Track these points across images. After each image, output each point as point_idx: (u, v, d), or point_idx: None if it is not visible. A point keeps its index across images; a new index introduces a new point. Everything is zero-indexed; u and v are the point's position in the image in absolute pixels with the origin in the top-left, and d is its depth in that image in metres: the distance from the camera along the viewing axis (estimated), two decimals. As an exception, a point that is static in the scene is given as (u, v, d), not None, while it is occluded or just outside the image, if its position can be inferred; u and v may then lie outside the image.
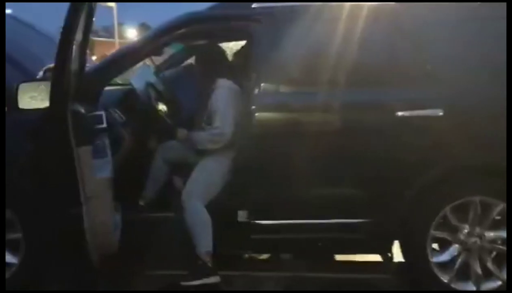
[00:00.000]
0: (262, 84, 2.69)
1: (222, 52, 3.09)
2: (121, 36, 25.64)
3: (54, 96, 2.07)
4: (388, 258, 3.01)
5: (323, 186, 2.73)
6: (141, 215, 2.98)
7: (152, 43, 2.88)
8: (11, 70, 2.85)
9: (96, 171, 2.27)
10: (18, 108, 2.42)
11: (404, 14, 2.68)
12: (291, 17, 2.71)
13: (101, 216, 2.25)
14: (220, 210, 2.77)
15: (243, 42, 3.48)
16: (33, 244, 2.71)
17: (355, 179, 2.71)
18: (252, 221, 2.74)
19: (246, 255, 3.32)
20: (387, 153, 2.65)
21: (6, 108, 2.86)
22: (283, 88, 2.77)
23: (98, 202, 2.24)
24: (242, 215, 2.75)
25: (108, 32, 31.64)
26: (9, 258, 2.76)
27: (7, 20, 3.63)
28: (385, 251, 2.91)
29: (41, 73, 2.98)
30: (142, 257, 2.85)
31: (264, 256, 3.38)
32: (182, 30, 2.83)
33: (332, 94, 2.68)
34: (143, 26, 34.03)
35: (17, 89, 2.39)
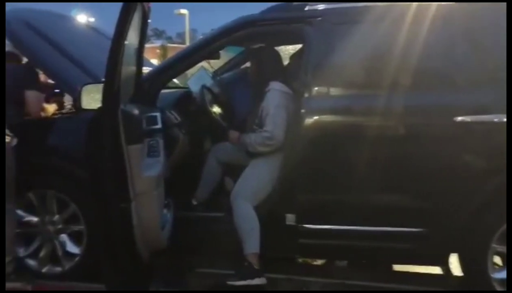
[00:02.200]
0: (314, 88, 2.67)
1: (276, 55, 3.09)
2: (192, 41, 26.63)
3: (106, 97, 2.20)
4: (447, 271, 2.84)
5: (375, 192, 2.64)
6: (193, 214, 3.07)
7: (207, 47, 2.96)
8: (80, 73, 3.07)
9: (146, 169, 2.38)
10: (82, 108, 2.61)
11: (467, 15, 2.53)
12: (343, 19, 2.66)
13: (148, 212, 2.35)
14: (268, 212, 2.78)
15: (301, 45, 3.47)
16: (94, 236, 2.90)
17: (409, 186, 2.59)
18: (300, 225, 2.71)
19: (300, 260, 3.30)
20: (446, 160, 2.51)
21: (73, 108, 3.11)
22: (335, 92, 2.73)
23: (146, 199, 2.34)
24: (290, 219, 2.74)
25: (181, 38, 33.02)
26: (73, 248, 2.99)
27: (78, 26, 3.94)
28: (442, 263, 2.74)
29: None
30: (193, 255, 2.92)
31: (319, 262, 3.33)
32: (238, 33, 2.88)
33: (387, 98, 2.58)
34: (193, 32, 35.10)
35: (81, 90, 2.57)
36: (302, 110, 2.64)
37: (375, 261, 3.08)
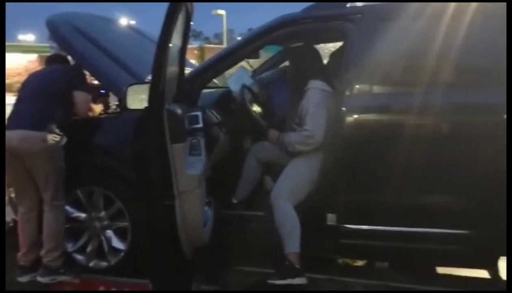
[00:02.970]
0: (355, 86, 2.63)
1: (315, 54, 3.07)
2: (230, 42, 26.83)
3: (151, 97, 2.25)
4: (495, 275, 2.73)
5: (418, 192, 2.58)
6: (233, 212, 3.09)
7: (247, 46, 2.98)
8: (124, 74, 3.17)
9: (189, 168, 2.42)
10: (127, 108, 2.69)
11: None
12: (386, 16, 2.60)
13: (191, 210, 2.40)
14: (309, 212, 2.77)
15: (341, 43, 3.43)
16: (138, 232, 2.99)
17: (455, 186, 2.51)
18: (341, 225, 2.69)
19: (340, 260, 3.27)
20: (494, 159, 2.41)
21: (118, 108, 3.21)
22: (378, 89, 2.68)
23: (189, 197, 2.38)
24: (331, 219, 2.72)
25: (219, 38, 33.38)
26: (118, 244, 3.08)
27: (121, 28, 4.06)
28: (489, 267, 2.64)
29: (149, 77, 3.27)
30: (233, 253, 2.94)
31: (360, 263, 3.29)
32: (278, 33, 2.89)
33: (430, 96, 2.52)
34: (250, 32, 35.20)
35: (126, 91, 2.65)
36: (343, 109, 2.61)
37: (418, 264, 3.00)
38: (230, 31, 30.02)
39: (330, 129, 2.75)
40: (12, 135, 2.88)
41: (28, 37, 33.62)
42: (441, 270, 3.05)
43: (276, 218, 2.74)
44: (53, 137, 2.85)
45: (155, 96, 2.21)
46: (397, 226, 2.61)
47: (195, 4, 2.67)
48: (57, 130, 2.89)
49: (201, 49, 24.92)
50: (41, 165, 2.87)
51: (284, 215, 2.73)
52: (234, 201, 3.18)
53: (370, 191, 2.66)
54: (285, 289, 2.59)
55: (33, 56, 29.63)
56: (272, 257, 2.81)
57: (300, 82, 2.97)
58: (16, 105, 3.05)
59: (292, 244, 2.68)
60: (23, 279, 2.97)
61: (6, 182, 3.20)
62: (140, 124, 2.41)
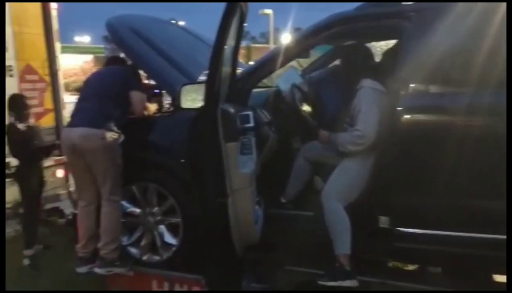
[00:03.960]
0: (411, 85, 2.56)
1: (368, 52, 3.02)
2: (276, 41, 26.83)
3: (207, 96, 2.30)
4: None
5: (476, 196, 2.47)
6: (282, 212, 3.10)
7: (299, 46, 2.97)
8: (178, 74, 3.25)
9: (241, 166, 2.45)
10: (181, 107, 2.76)
11: None
12: (444, 13, 2.51)
13: (243, 208, 2.43)
14: (360, 213, 2.72)
15: (393, 41, 3.35)
16: (189, 228, 3.06)
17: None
18: (394, 228, 2.62)
19: (390, 264, 3.20)
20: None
21: (172, 108, 3.29)
22: (434, 89, 2.59)
23: (241, 195, 2.41)
24: (384, 221, 2.66)
25: (265, 38, 33.45)
26: (170, 239, 3.17)
27: (176, 30, 4.16)
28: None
29: (201, 77, 3.34)
30: (282, 252, 2.94)
31: (412, 267, 3.19)
32: (329, 31, 2.86)
33: (491, 95, 2.40)
34: (297, 31, 35.06)
35: (180, 91, 2.72)
36: (399, 108, 2.55)
37: (474, 270, 2.88)
38: (277, 30, 29.97)
39: (383, 129, 2.69)
40: (73, 133, 3.03)
41: (84, 39, 35.19)
42: (499, 278, 2.90)
43: (326, 219, 2.71)
44: (111, 135, 2.98)
45: (210, 96, 2.26)
46: (453, 231, 2.52)
47: None
48: (115, 128, 3.01)
49: (248, 49, 25.07)
50: (100, 161, 3.00)
51: (335, 215, 2.70)
52: (283, 200, 3.18)
53: (425, 193, 2.57)
54: (335, 290, 2.56)
55: (89, 57, 30.99)
56: (321, 257, 2.79)
57: (352, 81, 2.92)
58: (77, 104, 3.21)
59: (343, 245, 2.65)
60: (82, 270, 3.13)
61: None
62: (194, 123, 2.46)
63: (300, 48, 2.97)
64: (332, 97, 3.35)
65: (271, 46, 25.06)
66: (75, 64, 25.74)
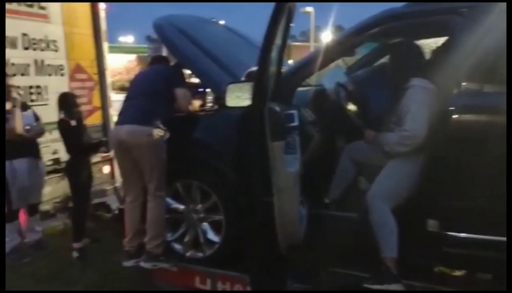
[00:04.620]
0: (463, 83, 2.45)
1: (418, 50, 2.91)
2: (316, 40, 26.58)
3: (255, 95, 2.29)
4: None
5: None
6: (325, 212, 3.05)
7: (345, 44, 2.91)
8: (222, 72, 3.27)
9: (287, 165, 2.43)
10: (226, 106, 2.77)
11: None
12: (499, 8, 2.39)
13: (289, 207, 2.41)
14: (408, 216, 2.64)
15: (443, 39, 3.23)
16: (232, 226, 3.08)
17: None
18: (444, 233, 2.52)
19: (436, 269, 3.08)
20: None
21: (216, 106, 3.32)
22: (488, 88, 2.47)
23: (287, 194, 2.40)
24: (432, 225, 2.57)
25: (305, 36, 33.19)
26: (213, 236, 3.20)
27: (220, 29, 4.19)
28: None
29: (244, 76, 3.34)
30: (325, 253, 2.90)
31: (458, 273, 3.07)
32: (378, 29, 2.79)
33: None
34: (338, 29, 34.56)
35: (225, 89, 2.73)
36: (451, 108, 2.45)
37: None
38: (317, 29, 29.64)
39: (433, 130, 2.60)
40: (121, 130, 3.13)
41: (128, 39, 36.24)
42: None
43: (372, 221, 2.65)
44: (157, 132, 3.04)
45: (258, 95, 2.25)
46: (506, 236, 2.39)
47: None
48: (161, 126, 3.07)
49: (288, 47, 24.88)
50: (146, 157, 3.07)
51: (381, 217, 2.63)
52: (326, 200, 3.14)
53: (478, 197, 2.46)
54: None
55: (132, 57, 31.88)
56: (366, 260, 2.73)
57: (401, 79, 2.83)
58: (125, 103, 3.30)
59: (389, 248, 2.58)
60: (128, 263, 3.21)
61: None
62: (242, 121, 2.47)
63: (347, 46, 2.91)
64: (378, 96, 3.26)
65: (311, 44, 24.86)
66: (120, 64, 26.55)
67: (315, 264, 2.89)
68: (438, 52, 3.22)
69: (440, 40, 3.31)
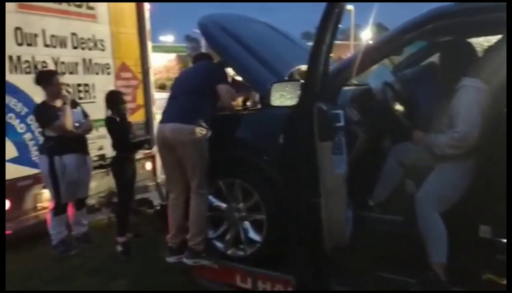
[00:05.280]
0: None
1: (470, 48, 2.80)
2: (356, 38, 26.17)
3: (304, 94, 2.26)
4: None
5: None
6: (370, 215, 2.99)
7: (394, 42, 2.83)
8: (265, 71, 3.26)
9: (335, 166, 2.39)
10: (270, 105, 2.75)
11: None
12: None
13: (336, 209, 2.37)
14: (458, 221, 2.54)
15: (495, 37, 3.08)
16: (273, 226, 3.06)
17: None
18: (497, 239, 2.41)
19: (484, 276, 2.95)
20: None
21: (260, 104, 3.31)
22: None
23: (335, 196, 2.36)
24: (484, 231, 2.46)
25: (344, 34, 32.73)
26: (254, 235, 3.20)
27: (264, 28, 4.18)
28: None
29: (288, 75, 3.32)
30: (370, 256, 2.84)
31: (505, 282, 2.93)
32: (428, 27, 2.69)
33: None
34: (378, 27, 33.85)
35: (270, 88, 2.72)
36: (505, 110, 2.33)
37: None
38: (357, 27, 29.17)
39: (485, 131, 2.48)
40: (165, 128, 3.18)
41: (168, 38, 37.01)
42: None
43: (420, 225, 2.57)
44: (200, 130, 3.07)
45: (307, 94, 2.22)
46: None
47: (321, 3, 2.62)
48: (203, 124, 3.10)
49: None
50: (190, 155, 3.11)
51: (430, 222, 2.55)
52: (371, 203, 3.07)
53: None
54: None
55: (172, 56, 32.52)
56: (412, 265, 2.65)
57: (451, 79, 2.73)
58: (168, 101, 3.35)
59: (439, 253, 2.49)
60: (171, 259, 3.26)
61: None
62: (289, 121, 2.44)
63: (395, 45, 2.82)
64: (426, 96, 3.16)
65: (351, 43, 24.49)
66: (160, 63, 27.13)
67: (360, 268, 2.83)
68: (491, 51, 3.07)
69: (493, 39, 3.17)
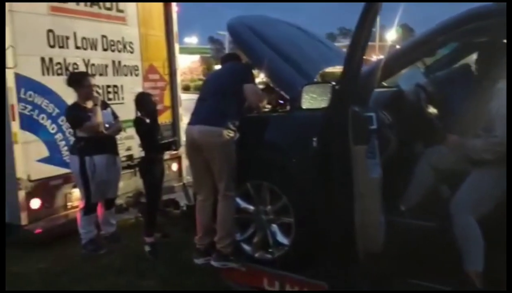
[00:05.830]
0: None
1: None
2: (381, 39, 25.81)
3: (339, 97, 2.23)
4: None
5: None
6: (401, 220, 2.91)
7: (428, 43, 2.76)
8: (294, 73, 3.23)
9: (369, 171, 2.35)
10: (300, 107, 2.73)
11: None
12: None
13: (370, 214, 2.32)
14: (494, 227, 2.45)
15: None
16: (302, 229, 3.03)
17: None
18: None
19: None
20: None
21: (288, 107, 3.28)
22: None
23: (369, 200, 2.31)
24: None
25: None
26: (282, 239, 3.17)
27: (292, 29, 4.16)
28: None
29: (318, 76, 3.29)
30: (402, 262, 2.77)
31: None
32: (465, 28, 2.62)
33: None
34: (403, 28, 33.34)
35: (301, 91, 2.69)
36: None
37: None
38: (382, 28, 28.74)
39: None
40: (193, 130, 3.19)
41: (192, 40, 37.37)
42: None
43: (456, 231, 2.49)
44: (228, 133, 3.07)
45: (342, 97, 2.19)
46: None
47: (348, 3, 2.56)
48: (231, 126, 3.09)
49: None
50: (217, 157, 3.11)
51: (466, 228, 2.47)
52: (402, 207, 2.99)
53: None
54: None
55: (196, 57, 32.80)
56: (446, 272, 2.57)
57: (489, 81, 2.65)
58: (197, 103, 3.36)
59: (474, 261, 2.42)
60: (199, 261, 3.27)
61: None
62: (322, 123, 2.41)
63: (429, 46, 2.75)
64: (461, 98, 3.06)
65: (376, 44, 24.18)
66: (184, 64, 27.40)
67: (391, 274, 2.77)
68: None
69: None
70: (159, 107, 5.47)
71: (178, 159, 5.77)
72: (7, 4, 3.96)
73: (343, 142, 2.24)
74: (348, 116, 2.21)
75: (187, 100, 6.17)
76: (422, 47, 2.79)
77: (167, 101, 5.79)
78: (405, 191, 3.01)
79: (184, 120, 5.92)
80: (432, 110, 3.02)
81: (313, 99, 2.66)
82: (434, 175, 2.94)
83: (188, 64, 30.04)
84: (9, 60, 3.99)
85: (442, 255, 2.61)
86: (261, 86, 3.67)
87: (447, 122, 2.97)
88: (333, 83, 2.69)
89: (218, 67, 3.73)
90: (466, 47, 3.58)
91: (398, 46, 3.23)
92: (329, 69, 3.59)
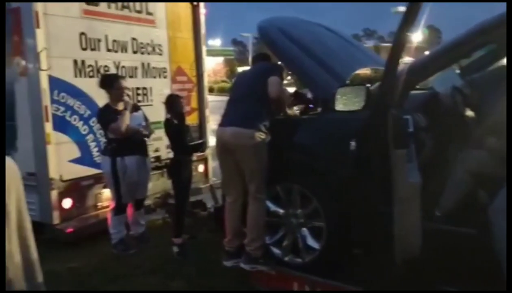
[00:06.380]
0: None
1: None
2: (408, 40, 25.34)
3: (378, 100, 2.19)
4: None
5: None
6: (436, 226, 2.83)
7: (465, 45, 2.69)
8: (325, 75, 3.19)
9: (408, 175, 2.29)
10: (334, 110, 2.69)
11: None
12: None
13: (410, 219, 2.26)
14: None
15: None
16: (333, 233, 2.98)
17: None
18: None
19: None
20: None
21: (320, 109, 3.24)
22: None
23: (409, 205, 2.26)
24: None
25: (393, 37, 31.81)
26: (313, 243, 3.13)
27: (321, 30, 4.11)
28: None
29: (350, 79, 3.24)
30: (437, 269, 2.70)
31: None
32: (502, 29, 2.53)
33: None
34: (430, 29, 32.74)
35: (335, 93, 2.65)
36: None
37: None
38: (407, 29, 28.22)
39: None
40: (225, 132, 3.18)
41: (215, 42, 37.62)
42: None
43: (496, 238, 2.40)
44: (259, 135, 3.05)
45: (382, 99, 2.14)
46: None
47: (373, 4, 2.52)
48: (263, 129, 3.07)
49: (377, 49, 24.17)
50: (248, 159, 3.09)
51: (505, 236, 2.37)
52: (437, 213, 2.91)
53: None
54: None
55: (220, 59, 33.00)
56: (483, 280, 2.49)
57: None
58: (228, 105, 3.36)
59: (514, 270, 2.31)
60: (228, 263, 3.26)
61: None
62: (363, 127, 2.36)
63: (468, 48, 2.68)
64: (499, 101, 2.97)
65: (439, 46, 23.78)
66: (208, 66, 27.51)
67: (426, 282, 2.70)
68: None
69: None
70: (186, 109, 5.52)
71: (204, 160, 5.79)
72: (41, 7, 4.05)
73: (383, 145, 2.19)
74: (388, 120, 2.16)
75: (211, 102, 6.20)
76: (458, 49, 2.71)
77: (194, 103, 5.82)
78: (440, 196, 2.94)
79: (211, 122, 5.96)
80: (469, 113, 2.94)
81: (347, 101, 2.62)
82: (471, 180, 2.85)
83: (212, 66, 30.25)
84: (43, 63, 4.07)
85: (481, 262, 2.53)
86: (290, 91, 3.64)
87: (485, 126, 2.89)
88: (368, 85, 2.65)
89: (241, 69, 3.71)
90: (503, 49, 3.46)
91: (434, 49, 3.14)
92: (361, 71, 3.54)
